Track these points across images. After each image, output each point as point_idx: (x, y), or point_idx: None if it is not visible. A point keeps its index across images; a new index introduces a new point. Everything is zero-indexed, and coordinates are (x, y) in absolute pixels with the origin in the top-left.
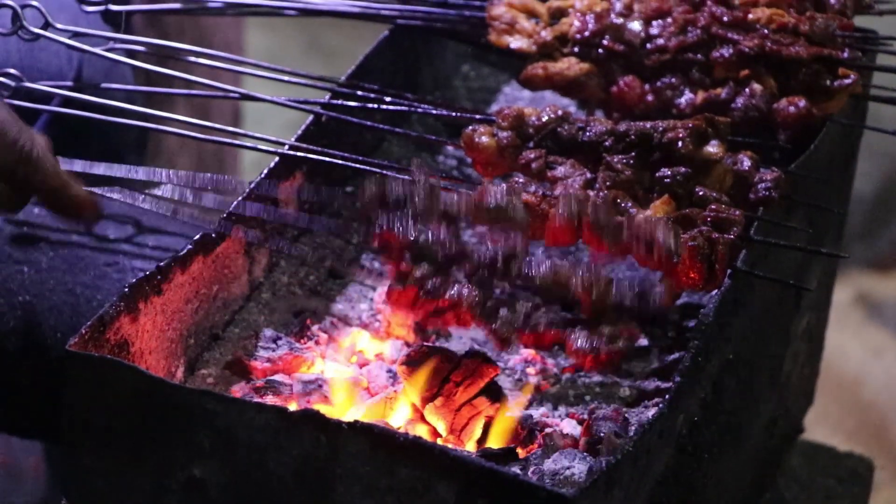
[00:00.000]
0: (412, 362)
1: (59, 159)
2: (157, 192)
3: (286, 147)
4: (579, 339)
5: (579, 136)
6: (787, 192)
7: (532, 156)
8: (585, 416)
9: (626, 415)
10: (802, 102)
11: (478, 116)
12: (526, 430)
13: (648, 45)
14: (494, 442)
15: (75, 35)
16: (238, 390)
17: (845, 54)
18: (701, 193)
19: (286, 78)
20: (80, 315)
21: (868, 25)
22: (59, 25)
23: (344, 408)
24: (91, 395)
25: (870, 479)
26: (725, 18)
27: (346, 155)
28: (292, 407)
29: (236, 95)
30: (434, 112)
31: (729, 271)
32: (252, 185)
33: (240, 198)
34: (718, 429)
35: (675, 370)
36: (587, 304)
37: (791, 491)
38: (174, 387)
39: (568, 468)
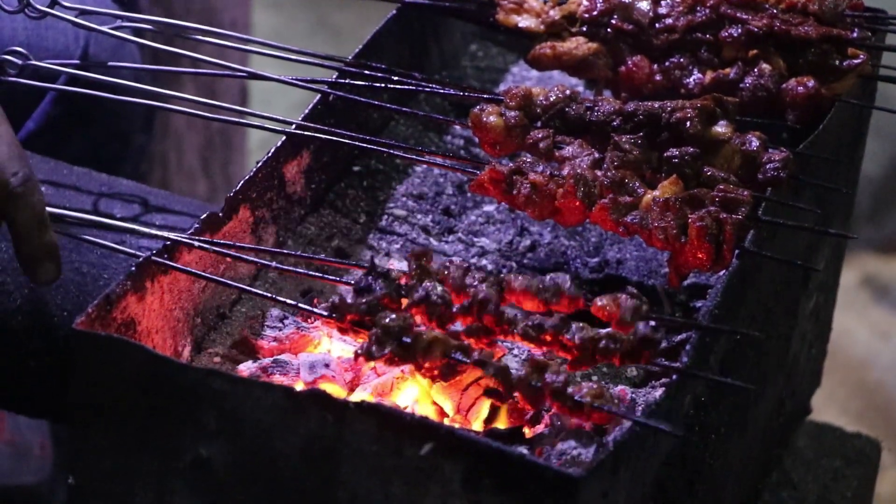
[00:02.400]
0: None
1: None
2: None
3: (293, 126)
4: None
5: (587, 116)
6: (796, 172)
7: (540, 135)
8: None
9: (634, 395)
10: (811, 82)
11: (485, 96)
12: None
13: (657, 25)
14: (501, 422)
15: (82, 13)
16: (245, 370)
17: (854, 34)
18: (709, 173)
19: (293, 57)
20: (86, 294)
21: (878, 5)
22: (65, 3)
23: (350, 387)
24: (97, 375)
25: (877, 459)
26: None
27: (353, 134)
28: (299, 386)
29: (243, 74)
30: (441, 91)
31: (737, 252)
32: (259, 164)
33: (247, 176)
34: (725, 409)
35: (683, 351)
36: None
37: (798, 471)
38: (181, 366)
39: (575, 448)
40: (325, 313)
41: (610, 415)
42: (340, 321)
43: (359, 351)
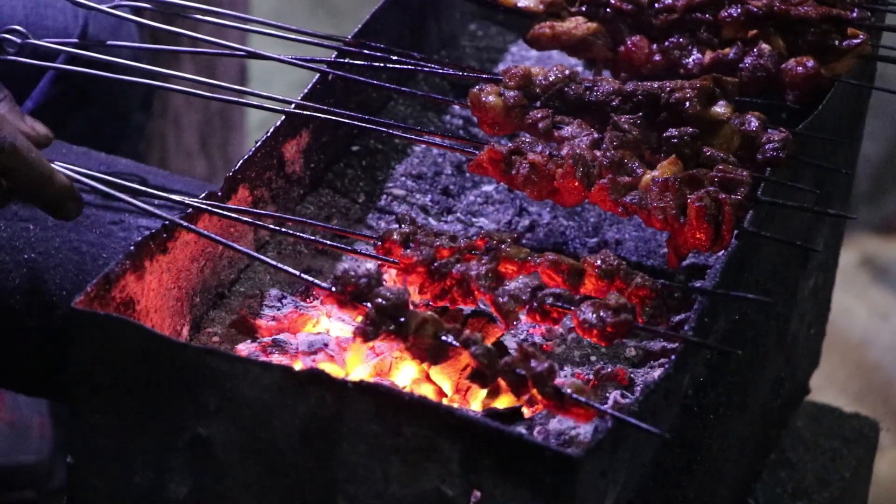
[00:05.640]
0: None
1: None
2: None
3: (292, 106)
4: (586, 313)
5: (586, 96)
6: (795, 152)
7: (539, 115)
8: (591, 377)
9: (632, 375)
10: (811, 63)
11: (484, 76)
12: None
13: (656, 5)
14: (500, 402)
15: None
16: (243, 349)
17: (854, 14)
18: (708, 154)
19: (292, 36)
20: (85, 273)
21: None
22: None
23: (349, 367)
24: (96, 354)
25: (875, 440)
26: None
27: (352, 114)
28: (298, 366)
29: (242, 53)
30: (440, 71)
31: (736, 232)
32: (258, 144)
33: (246, 156)
34: (724, 390)
35: (682, 331)
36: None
37: (796, 452)
38: (180, 345)
39: (573, 428)
40: (327, 285)
41: (589, 410)
42: (341, 294)
43: (355, 331)
